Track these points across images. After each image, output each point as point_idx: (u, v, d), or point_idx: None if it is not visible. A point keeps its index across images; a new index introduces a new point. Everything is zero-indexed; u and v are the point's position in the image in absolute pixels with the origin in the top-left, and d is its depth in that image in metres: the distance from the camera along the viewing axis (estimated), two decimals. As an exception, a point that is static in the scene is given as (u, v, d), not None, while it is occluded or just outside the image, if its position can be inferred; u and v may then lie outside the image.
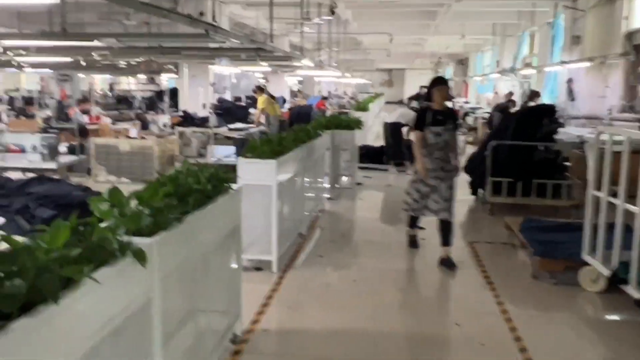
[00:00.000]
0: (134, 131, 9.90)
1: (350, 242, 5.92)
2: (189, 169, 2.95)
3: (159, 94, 16.02)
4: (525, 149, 6.71)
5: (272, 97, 12.00)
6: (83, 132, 7.11)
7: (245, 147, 4.99)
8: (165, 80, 22.72)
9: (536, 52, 15.30)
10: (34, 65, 14.07)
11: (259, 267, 4.73)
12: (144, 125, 10.95)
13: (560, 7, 11.72)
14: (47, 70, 17.25)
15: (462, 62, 29.07)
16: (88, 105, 12.53)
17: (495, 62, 18.36)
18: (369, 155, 10.33)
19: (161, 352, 2.24)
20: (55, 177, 5.51)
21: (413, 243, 5.43)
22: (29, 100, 13.03)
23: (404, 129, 10.30)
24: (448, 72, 34.25)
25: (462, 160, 5.43)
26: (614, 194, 4.04)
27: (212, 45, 8.37)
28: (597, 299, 4.28)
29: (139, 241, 2.08)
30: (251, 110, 13.31)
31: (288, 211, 5.36)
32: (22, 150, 5.60)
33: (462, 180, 6.56)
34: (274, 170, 4.56)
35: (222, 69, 11.68)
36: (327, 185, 7.51)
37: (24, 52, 8.32)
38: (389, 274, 4.80)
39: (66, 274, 1.63)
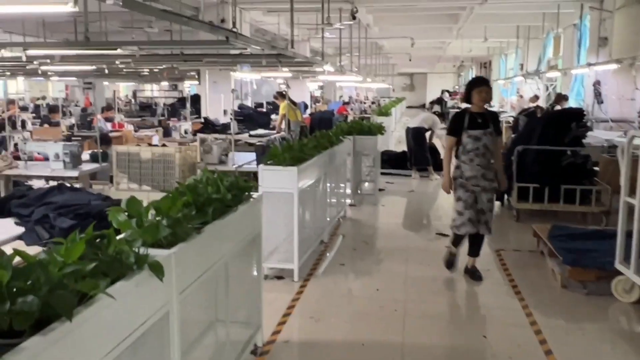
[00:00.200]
0: (156, 138, 9.97)
1: (372, 250, 5.82)
2: (209, 177, 2.90)
3: (181, 101, 16.14)
4: (552, 154, 6.54)
5: (293, 102, 11.98)
6: (106, 139, 7.15)
7: (265, 154, 4.95)
8: (188, 87, 22.93)
9: (561, 55, 15.02)
10: (60, 74, 14.30)
11: (280, 275, 4.67)
12: (166, 132, 11.02)
13: (587, 9, 11.48)
14: (72, 78, 17.52)
15: (485, 66, 28.75)
16: (111, 112, 12.65)
17: (519, 65, 18.06)
18: (391, 161, 10.23)
19: (180, 366, 2.19)
20: (77, 185, 5.55)
21: (450, 263, 4.85)
22: (53, 108, 13.22)
23: (427, 134, 10.19)
24: (471, 75, 33.93)
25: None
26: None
27: (233, 51, 8.37)
28: (631, 309, 4.11)
29: (156, 253, 2.04)
30: (272, 116, 13.32)
31: (309, 218, 5.30)
32: (46, 158, 5.64)
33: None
34: (295, 178, 4.50)
35: (243, 75, 11.70)
36: (349, 192, 7.42)
37: (48, 61, 8.41)
38: (413, 282, 4.70)
39: (81, 289, 1.58)
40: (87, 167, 5.68)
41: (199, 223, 2.46)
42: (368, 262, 5.31)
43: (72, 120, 12.02)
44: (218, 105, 12.44)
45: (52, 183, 5.27)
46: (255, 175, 4.70)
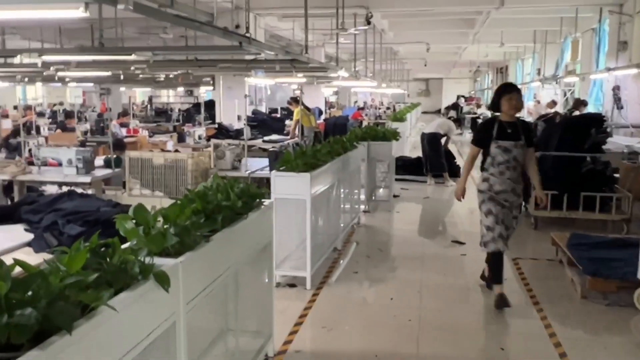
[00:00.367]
0: (170, 144, 9.99)
1: (387, 257, 5.73)
2: (219, 184, 2.85)
3: (196, 107, 16.21)
4: (571, 160, 6.40)
5: (307, 108, 11.94)
6: (120, 145, 7.16)
7: (278, 160, 4.89)
8: (203, 92, 23.05)
9: (579, 59, 14.81)
10: (77, 80, 14.43)
11: (292, 283, 4.61)
12: (181, 138, 11.04)
13: (606, 13, 11.30)
14: (89, 84, 17.69)
15: (502, 71, 28.49)
16: (127, 118, 12.72)
17: (535, 70, 17.88)
18: (406, 167, 10.13)
19: (187, 378, 2.13)
20: (90, 191, 5.55)
21: (502, 302, 4.14)
22: (69, 114, 13.33)
23: (443, 140, 10.08)
24: (487, 80, 33.67)
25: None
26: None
27: (247, 57, 8.35)
28: (655, 322, 3.98)
29: (163, 262, 1.99)
30: (286, 122, 13.29)
31: (323, 225, 5.24)
32: (60, 164, 5.64)
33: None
34: (307, 184, 4.44)
35: (258, 81, 11.69)
36: (363, 198, 7.34)
37: (64, 67, 8.46)
38: (427, 291, 4.60)
39: (82, 300, 1.53)
40: (100, 172, 5.68)
41: (208, 231, 2.40)
42: (382, 270, 5.23)
43: (87, 126, 12.10)
44: (232, 111, 12.43)
45: (66, 189, 5.27)
46: (268, 181, 4.65)
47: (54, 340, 1.38)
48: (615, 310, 4.14)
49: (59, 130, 11.32)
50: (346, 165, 5.97)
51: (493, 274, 4.31)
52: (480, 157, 4.41)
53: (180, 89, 22.69)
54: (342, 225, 5.90)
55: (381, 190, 8.48)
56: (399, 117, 14.93)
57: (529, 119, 14.71)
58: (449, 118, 10.96)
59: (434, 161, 9.79)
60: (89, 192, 5.52)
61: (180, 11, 6.77)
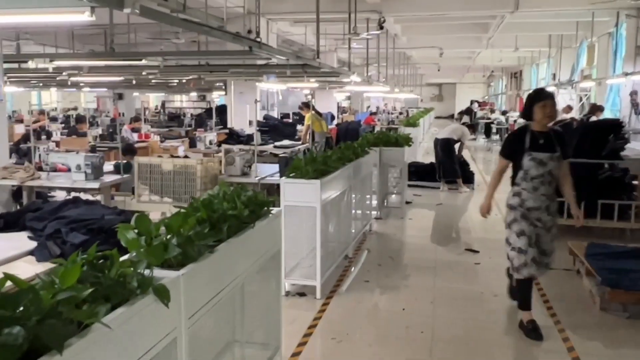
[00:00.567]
0: (181, 149, 9.95)
1: (398, 266, 5.62)
2: (225, 192, 2.77)
3: (208, 112, 16.22)
4: (588, 167, 6.25)
5: (319, 113, 11.86)
6: (130, 150, 7.13)
7: (289, 166, 4.81)
8: (216, 97, 23.08)
9: (595, 64, 14.60)
10: (91, 85, 14.52)
11: (302, 292, 4.52)
12: (192, 143, 11.01)
13: (623, 17, 11.11)
14: (103, 89, 17.82)
15: (516, 76, 28.25)
16: (139, 123, 12.73)
17: (550, 74, 17.66)
18: (418, 173, 10.01)
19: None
20: (98, 196, 5.51)
21: (534, 332, 3.81)
22: (80, 119, 13.38)
23: (456, 145, 9.95)
24: (501, 86, 33.41)
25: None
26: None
27: (258, 62, 8.31)
28: (678, 336, 3.83)
29: (164, 275, 1.90)
30: (298, 127, 13.23)
31: (333, 232, 5.14)
32: (69, 169, 5.61)
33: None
34: (318, 191, 4.35)
35: (269, 85, 11.64)
36: (375, 204, 7.24)
37: (76, 72, 8.48)
38: (441, 301, 4.48)
39: (75, 317, 1.45)
40: (109, 178, 5.64)
41: (213, 241, 2.32)
42: (394, 279, 5.12)
43: (100, 131, 12.13)
44: (244, 116, 12.41)
45: (75, 194, 5.23)
46: (279, 187, 4.57)
47: (44, 361, 1.30)
48: (637, 323, 4.00)
49: (74, 136, 11.34)
50: (358, 172, 5.88)
51: (522, 300, 3.96)
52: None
53: (193, 94, 22.75)
54: (353, 232, 5.80)
55: (393, 196, 8.37)
56: (411, 122, 14.82)
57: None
58: (463, 124, 10.82)
59: (447, 167, 9.66)
60: (98, 197, 5.48)
61: (192, 16, 6.74)
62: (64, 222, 3.06)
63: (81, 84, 13.50)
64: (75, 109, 21.86)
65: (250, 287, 2.80)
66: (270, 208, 3.03)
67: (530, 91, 4.20)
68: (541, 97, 3.85)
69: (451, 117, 31.36)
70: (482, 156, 15.75)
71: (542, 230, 3.79)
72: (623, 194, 6.30)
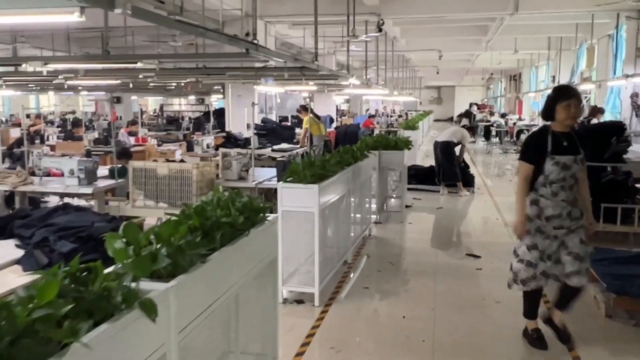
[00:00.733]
0: (178, 152, 9.86)
1: (398, 271, 5.52)
2: (220, 198, 2.67)
3: (207, 115, 16.13)
4: (590, 170, 6.11)
5: (317, 116, 11.78)
6: (126, 154, 7.03)
7: (286, 170, 4.72)
8: (215, 100, 23.00)
9: (595, 66, 14.53)
10: (89, 88, 14.42)
11: (300, 299, 4.42)
12: (190, 147, 10.92)
13: (623, 19, 11.04)
14: (101, 92, 17.71)
15: (515, 78, 28.20)
16: (136, 127, 12.65)
17: (550, 77, 17.61)
18: (418, 176, 9.91)
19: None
20: (92, 202, 5.40)
21: (539, 341, 3.70)
22: (76, 123, 13.28)
23: (457, 148, 9.86)
24: (500, 88, 33.38)
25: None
26: None
27: (256, 64, 8.22)
28: (685, 344, 3.74)
29: (152, 287, 1.80)
30: (297, 130, 13.15)
31: (332, 238, 5.04)
32: (63, 174, 5.51)
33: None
34: (316, 196, 4.25)
35: (267, 88, 11.56)
36: (374, 208, 7.14)
37: (72, 75, 8.39)
38: (442, 308, 4.38)
39: (53, 336, 1.35)
40: (103, 183, 5.53)
41: (206, 250, 2.22)
42: (394, 285, 5.02)
43: (95, 135, 12.03)
44: (242, 119, 12.31)
45: (67, 200, 5.13)
46: (276, 192, 4.47)
47: (16, 386, 1.20)
48: (643, 331, 3.91)
49: (69, 140, 11.24)
50: (356, 176, 5.78)
51: (528, 308, 3.78)
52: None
53: (192, 97, 22.68)
54: (352, 237, 5.70)
55: (393, 200, 8.27)
56: (411, 125, 14.74)
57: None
58: (463, 126, 10.73)
59: (447, 170, 9.57)
60: (91, 203, 5.38)
61: (189, 19, 6.65)
62: (52, 229, 2.95)
63: (79, 87, 13.40)
64: (73, 112, 21.77)
65: (245, 296, 2.69)
66: (267, 214, 2.94)
67: (554, 88, 3.82)
68: (566, 96, 3.52)
69: (450, 119, 31.27)
70: (481, 159, 15.66)
71: (566, 235, 3.53)
72: (626, 197, 6.21)
